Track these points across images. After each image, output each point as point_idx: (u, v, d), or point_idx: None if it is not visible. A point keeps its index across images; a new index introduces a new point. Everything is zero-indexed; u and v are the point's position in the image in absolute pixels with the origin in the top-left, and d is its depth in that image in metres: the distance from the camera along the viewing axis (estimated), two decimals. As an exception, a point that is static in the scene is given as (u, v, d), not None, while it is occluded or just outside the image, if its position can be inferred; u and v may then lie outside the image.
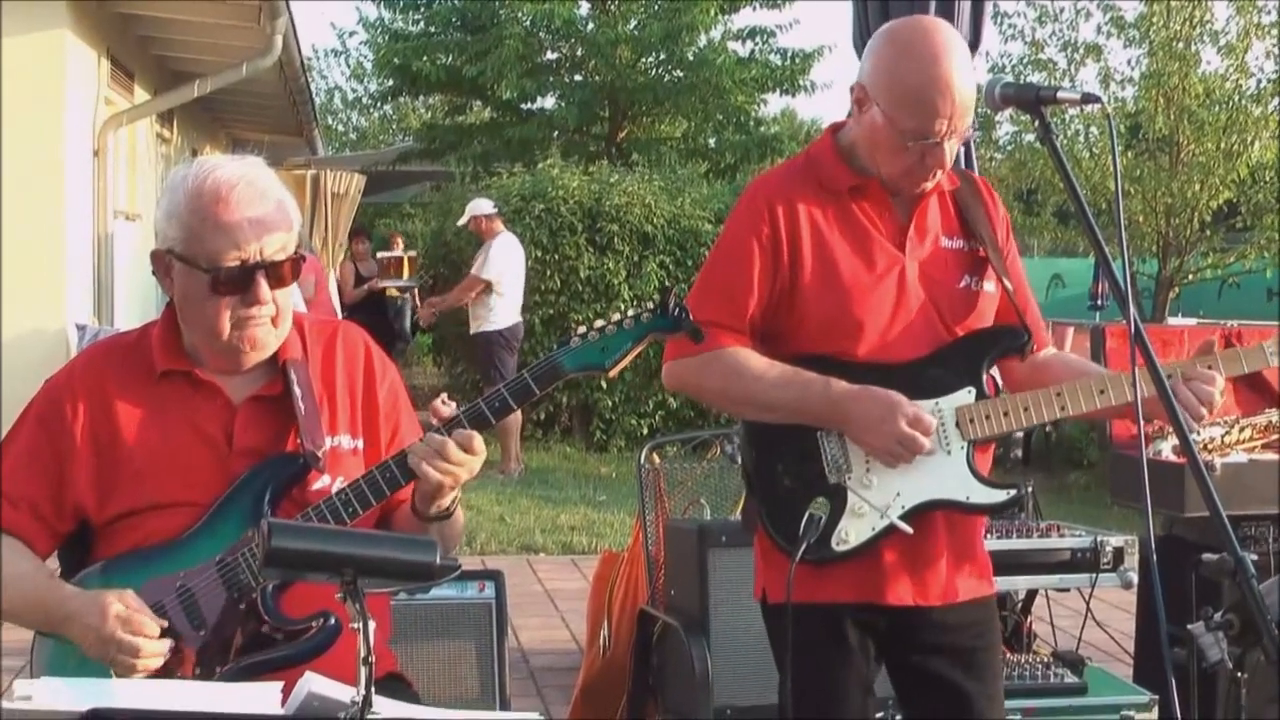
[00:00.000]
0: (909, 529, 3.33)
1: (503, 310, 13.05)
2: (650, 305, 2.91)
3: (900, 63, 3.29)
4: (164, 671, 2.83)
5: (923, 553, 3.41)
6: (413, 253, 17.15)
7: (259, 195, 2.96)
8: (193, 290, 2.98)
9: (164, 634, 2.84)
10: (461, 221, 13.99)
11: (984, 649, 3.52)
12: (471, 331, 13.25)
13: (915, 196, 3.42)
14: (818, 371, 3.35)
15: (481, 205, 13.57)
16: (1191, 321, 14.09)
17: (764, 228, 3.38)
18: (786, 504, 3.37)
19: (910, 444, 3.26)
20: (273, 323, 3.02)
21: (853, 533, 3.34)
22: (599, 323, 2.91)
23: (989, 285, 3.49)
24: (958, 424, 3.36)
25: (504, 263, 13.08)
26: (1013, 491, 3.41)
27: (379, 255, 16.78)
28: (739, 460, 3.80)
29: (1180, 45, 17.42)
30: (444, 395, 3.05)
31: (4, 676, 6.17)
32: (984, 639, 3.53)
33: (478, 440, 2.89)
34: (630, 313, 2.91)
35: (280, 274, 2.99)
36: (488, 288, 12.98)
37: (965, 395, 3.37)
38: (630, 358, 2.92)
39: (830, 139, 3.51)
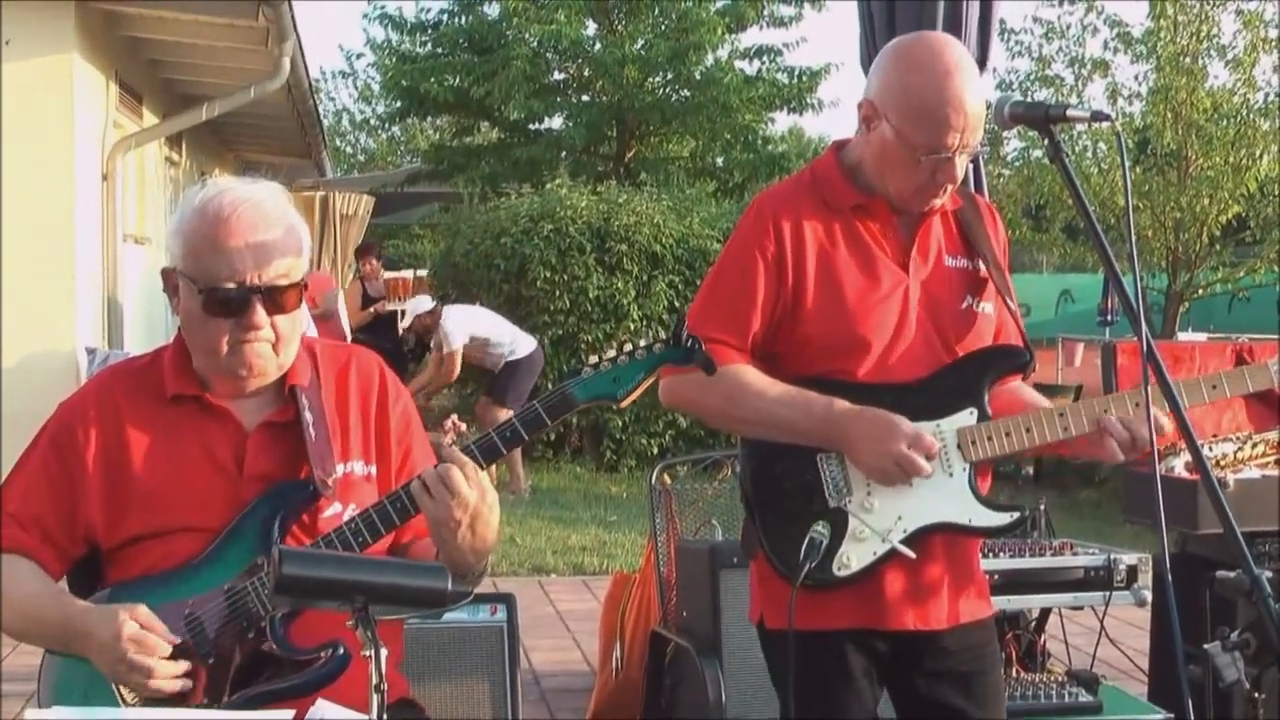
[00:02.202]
0: (911, 554, 3.30)
1: (508, 347, 13.15)
2: (663, 335, 2.87)
3: (911, 77, 3.27)
4: (177, 698, 2.82)
5: (924, 576, 3.38)
6: (422, 273, 16.68)
7: (263, 219, 2.95)
8: (192, 309, 2.98)
9: (177, 651, 2.83)
10: (405, 324, 14.29)
11: (984, 672, 3.50)
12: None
13: (919, 215, 3.41)
14: (817, 392, 3.32)
15: (422, 304, 13.83)
16: (1202, 336, 14.06)
17: (769, 244, 3.36)
18: (787, 527, 3.33)
19: (909, 465, 3.24)
20: (273, 349, 3.00)
21: (854, 557, 3.30)
22: (610, 353, 2.87)
23: (988, 306, 3.47)
24: (959, 445, 3.33)
25: (458, 325, 13.20)
26: (1016, 514, 3.38)
27: (385, 276, 16.27)
28: (743, 482, 3.77)
29: (1187, 60, 17.45)
30: (454, 417, 3.05)
31: (8, 701, 6.17)
32: (984, 662, 3.51)
33: (455, 475, 2.80)
34: (643, 343, 2.87)
35: (280, 300, 2.97)
36: (484, 344, 13.17)
37: (967, 416, 3.34)
38: (643, 388, 2.88)
39: (834, 156, 3.50)
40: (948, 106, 3.22)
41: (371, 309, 16.31)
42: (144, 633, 2.79)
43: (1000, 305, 3.48)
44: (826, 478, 3.33)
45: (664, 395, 3.43)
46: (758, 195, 3.60)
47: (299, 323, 3.07)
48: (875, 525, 3.30)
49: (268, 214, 2.96)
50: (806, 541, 3.26)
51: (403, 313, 15.97)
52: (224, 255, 2.91)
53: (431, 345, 13.89)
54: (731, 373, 3.31)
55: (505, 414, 12.41)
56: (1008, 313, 3.49)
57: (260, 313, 2.94)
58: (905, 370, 3.35)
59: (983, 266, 3.46)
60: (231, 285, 2.92)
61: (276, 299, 2.96)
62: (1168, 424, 3.20)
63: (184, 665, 2.83)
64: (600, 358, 2.87)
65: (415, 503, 2.86)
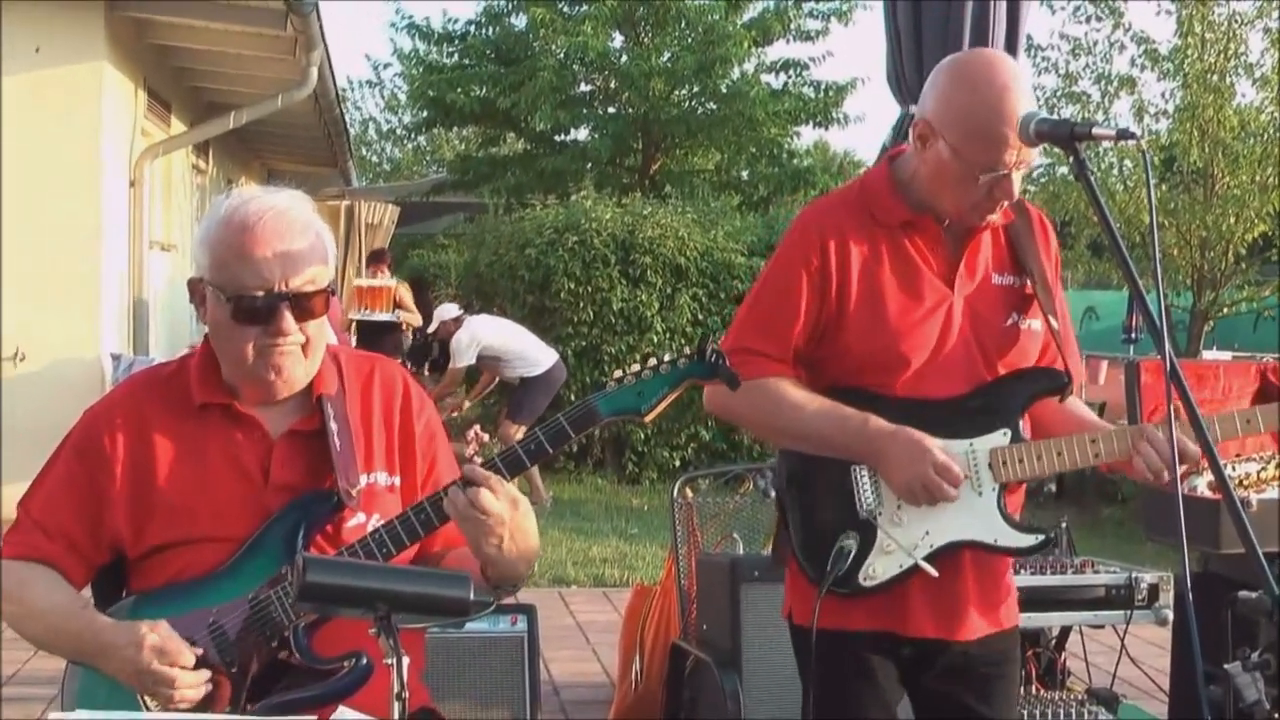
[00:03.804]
0: (934, 571, 3.33)
1: (527, 363, 13.17)
2: (687, 351, 2.87)
3: (968, 96, 3.26)
4: (201, 705, 2.83)
5: (949, 590, 3.40)
6: (392, 282, 15.74)
7: (288, 227, 2.96)
8: (220, 318, 2.99)
9: (199, 663, 2.84)
10: (431, 329, 14.31)
11: (1002, 678, 3.53)
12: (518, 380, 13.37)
13: (968, 231, 3.42)
14: (853, 404, 3.34)
15: (448, 310, 13.83)
16: (1226, 355, 14.03)
17: (814, 259, 3.37)
18: (818, 535, 3.38)
19: (935, 491, 3.26)
20: (303, 353, 3.02)
21: (880, 569, 3.34)
22: (635, 367, 2.88)
23: (1035, 323, 3.47)
24: (990, 466, 3.35)
25: (471, 339, 13.22)
26: (1040, 537, 3.40)
27: (355, 283, 15.41)
28: (772, 494, 3.79)
29: (1215, 78, 17.38)
30: (476, 427, 3.05)
31: (31, 705, 6.20)
32: (1003, 668, 3.54)
33: (484, 496, 2.80)
34: (667, 358, 2.87)
35: (308, 307, 2.98)
36: (495, 360, 13.19)
37: (1000, 437, 3.36)
38: (667, 403, 2.88)
39: (886, 169, 3.51)
40: (1005, 125, 3.21)
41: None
42: (165, 641, 2.81)
43: (1046, 323, 3.48)
44: (859, 489, 3.36)
45: (707, 402, 3.46)
46: (805, 208, 3.62)
47: (326, 329, 3.09)
48: (902, 539, 3.33)
49: (293, 221, 2.98)
50: (835, 550, 3.31)
51: (395, 323, 15.65)
52: (251, 264, 2.93)
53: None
54: (771, 384, 3.36)
55: (516, 430, 12.46)
56: (1053, 331, 3.49)
57: (288, 319, 2.95)
58: (943, 386, 3.37)
59: (1029, 284, 3.47)
60: (260, 293, 2.93)
61: (304, 305, 2.97)
62: (1193, 450, 3.19)
63: (206, 674, 2.84)
64: (625, 372, 2.87)
65: (439, 514, 2.87)
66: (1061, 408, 3.53)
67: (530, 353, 13.18)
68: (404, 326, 17.96)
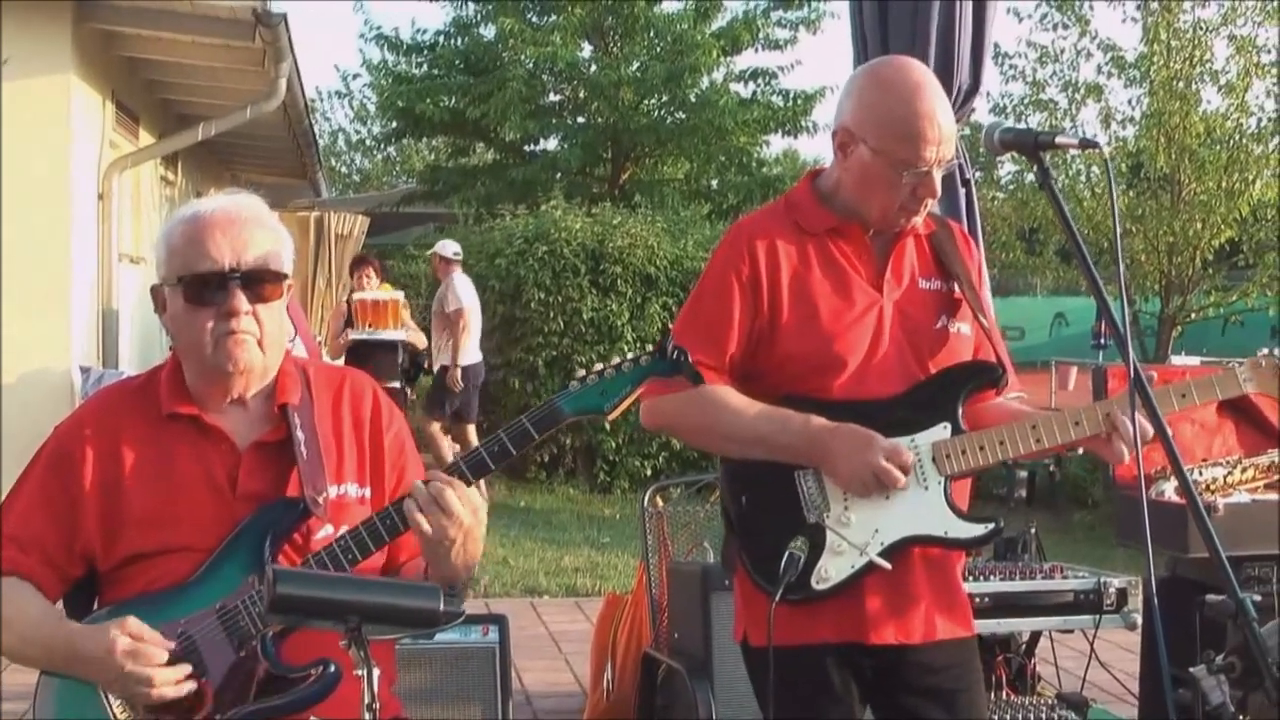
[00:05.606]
0: (888, 565, 3.34)
1: (472, 342, 13.43)
2: (649, 349, 2.91)
3: (884, 96, 3.35)
4: (183, 710, 2.83)
5: (903, 591, 3.42)
6: (399, 295, 14.58)
7: (238, 214, 3.02)
8: (176, 309, 3.02)
9: (173, 657, 2.84)
10: (429, 252, 14.55)
11: (966, 690, 3.53)
12: (436, 366, 13.52)
13: (892, 238, 3.48)
14: (795, 410, 3.37)
15: (447, 246, 13.91)
16: (1195, 360, 14.04)
17: (744, 267, 3.42)
18: (767, 544, 3.38)
19: (885, 477, 3.28)
20: (259, 345, 3.02)
21: (833, 570, 3.35)
22: (598, 367, 2.91)
23: (964, 327, 3.53)
24: (934, 460, 3.38)
25: (469, 295, 13.50)
26: (990, 526, 3.43)
27: (353, 299, 13.83)
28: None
29: (1181, 85, 17.52)
30: (449, 439, 3.05)
31: (7, 721, 6.18)
32: (965, 680, 3.55)
33: (449, 495, 2.83)
34: (629, 356, 2.90)
35: (260, 288, 3.00)
36: (463, 324, 13.35)
37: (941, 431, 3.39)
38: (630, 401, 2.91)
39: (808, 185, 3.58)
40: (923, 120, 3.30)
41: (339, 339, 13.87)
42: (136, 644, 2.81)
43: (976, 326, 3.54)
44: (804, 494, 3.37)
45: (645, 416, 3.48)
46: (733, 224, 3.66)
47: (284, 321, 3.10)
48: (853, 539, 3.34)
49: (242, 209, 3.04)
50: (785, 557, 3.30)
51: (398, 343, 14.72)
52: (201, 246, 2.97)
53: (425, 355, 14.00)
54: (710, 392, 3.37)
55: (460, 429, 12.74)
56: (984, 333, 3.55)
57: (240, 298, 2.97)
58: (880, 387, 3.40)
59: (957, 288, 3.53)
60: (210, 271, 2.96)
61: (255, 286, 3.00)
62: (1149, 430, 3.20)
63: (184, 669, 2.85)
64: (588, 372, 2.91)
65: (406, 520, 2.87)
66: (1000, 405, 3.57)
67: (476, 337, 13.56)
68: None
